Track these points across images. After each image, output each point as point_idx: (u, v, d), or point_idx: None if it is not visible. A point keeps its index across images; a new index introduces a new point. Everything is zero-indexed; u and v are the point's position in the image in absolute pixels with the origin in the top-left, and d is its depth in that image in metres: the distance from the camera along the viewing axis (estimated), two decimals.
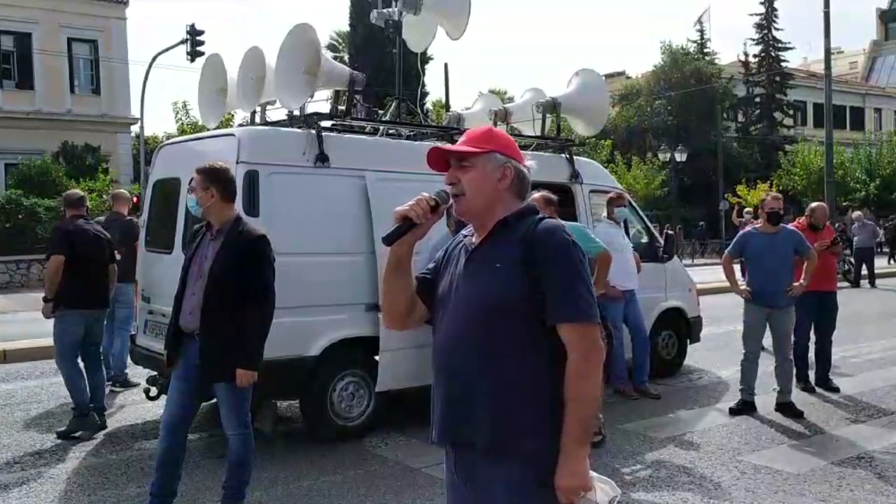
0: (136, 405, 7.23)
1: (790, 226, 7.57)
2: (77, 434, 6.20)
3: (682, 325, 8.65)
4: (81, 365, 6.46)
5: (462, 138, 2.38)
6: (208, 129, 7.47)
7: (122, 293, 7.70)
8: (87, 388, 6.37)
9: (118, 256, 7.57)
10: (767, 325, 6.93)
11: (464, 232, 2.44)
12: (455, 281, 2.31)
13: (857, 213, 21.27)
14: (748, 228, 7.50)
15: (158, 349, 5.72)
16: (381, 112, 7.59)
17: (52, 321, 6.37)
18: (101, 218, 8.58)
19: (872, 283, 18.96)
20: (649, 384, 7.62)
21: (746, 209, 20.05)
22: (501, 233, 2.28)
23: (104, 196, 23.37)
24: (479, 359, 2.21)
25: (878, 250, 23.42)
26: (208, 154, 5.56)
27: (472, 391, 2.22)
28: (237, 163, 5.54)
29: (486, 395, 2.20)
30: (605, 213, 7.77)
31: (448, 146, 2.37)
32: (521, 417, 2.18)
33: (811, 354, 7.94)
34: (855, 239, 19.23)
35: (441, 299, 2.35)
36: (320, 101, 6.92)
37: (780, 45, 49.58)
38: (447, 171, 2.33)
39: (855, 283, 19.05)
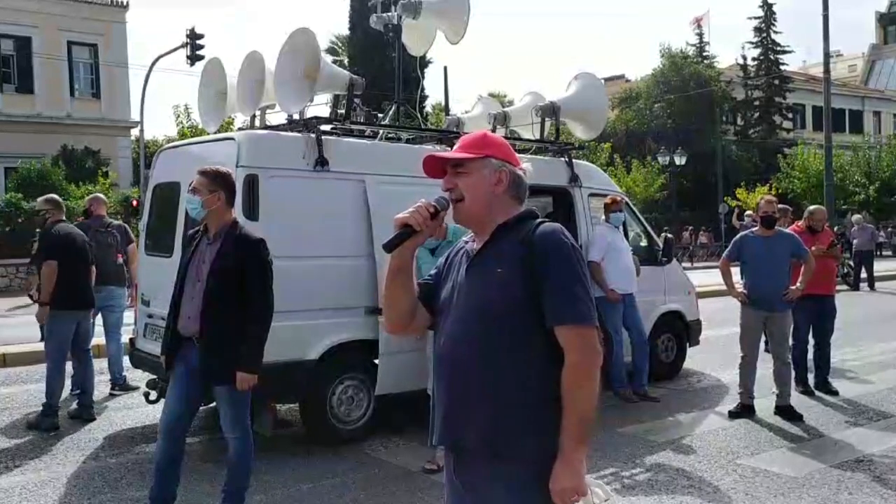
0: (136, 409, 7.23)
1: (788, 229, 7.58)
2: (38, 427, 6.50)
3: (681, 329, 8.65)
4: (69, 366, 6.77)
5: (457, 144, 2.40)
6: (208, 133, 7.48)
7: (113, 296, 7.72)
8: (60, 391, 6.68)
9: (120, 260, 7.63)
10: (765, 329, 6.94)
11: (465, 239, 2.45)
12: (457, 286, 2.32)
13: (856, 217, 21.27)
14: (745, 232, 7.50)
15: (158, 353, 5.72)
16: (380, 116, 7.60)
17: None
18: (87, 220, 8.41)
19: (871, 286, 18.97)
20: (649, 387, 7.63)
21: (747, 212, 20.06)
22: (501, 237, 2.29)
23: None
24: (481, 362, 2.22)
25: (878, 253, 23.44)
26: (208, 158, 5.57)
27: (474, 394, 2.23)
28: (237, 166, 5.54)
29: (487, 397, 2.21)
30: (602, 217, 7.79)
31: (443, 153, 2.38)
32: (522, 420, 2.19)
33: (810, 357, 7.95)
34: (854, 242, 19.26)
35: (443, 305, 2.36)
36: (320, 105, 6.96)
37: (778, 48, 49.72)
38: (443, 177, 2.34)
39: (854, 287, 19.05)
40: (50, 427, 6.48)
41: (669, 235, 9.18)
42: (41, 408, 6.61)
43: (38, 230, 6.84)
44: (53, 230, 6.66)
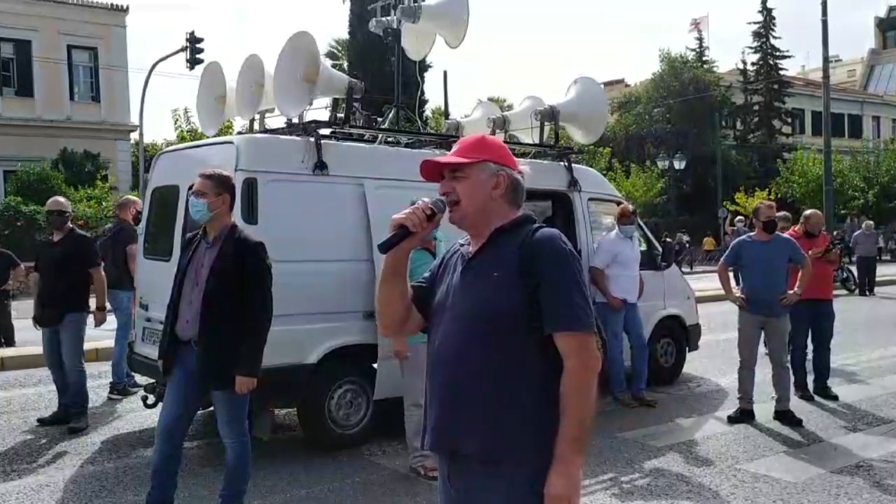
0: (134, 413, 7.22)
1: (785, 233, 7.57)
2: (79, 430, 6.57)
3: (680, 333, 8.64)
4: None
5: (455, 147, 2.38)
6: (207, 137, 7.48)
7: (115, 300, 7.74)
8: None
9: (101, 263, 7.74)
10: (763, 333, 6.93)
11: (460, 241, 2.43)
12: (452, 290, 2.31)
13: (867, 223, 20.99)
14: (742, 237, 7.50)
15: (156, 356, 5.71)
16: (379, 120, 7.60)
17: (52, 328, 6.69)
18: (108, 225, 8.70)
19: (871, 291, 18.96)
20: (647, 392, 7.61)
21: (738, 217, 20.06)
22: (498, 241, 2.28)
23: (103, 203, 23.41)
24: (476, 367, 2.20)
25: (878, 258, 23.43)
26: (207, 162, 5.57)
27: (468, 400, 2.21)
28: (236, 170, 5.53)
29: (481, 403, 2.19)
30: (615, 225, 7.78)
31: (440, 158, 2.36)
32: (519, 426, 2.17)
33: (809, 361, 7.94)
34: (857, 247, 19.19)
35: (438, 308, 2.34)
36: (319, 109, 6.94)
37: (777, 53, 49.74)
38: (440, 181, 2.33)
39: (861, 292, 18.98)
40: (86, 424, 6.67)
41: (669, 240, 9.16)
42: (73, 411, 6.69)
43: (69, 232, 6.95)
44: (86, 235, 6.96)
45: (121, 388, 7.90)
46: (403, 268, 2.34)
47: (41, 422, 6.78)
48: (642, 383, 7.56)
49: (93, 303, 6.93)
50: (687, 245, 34.21)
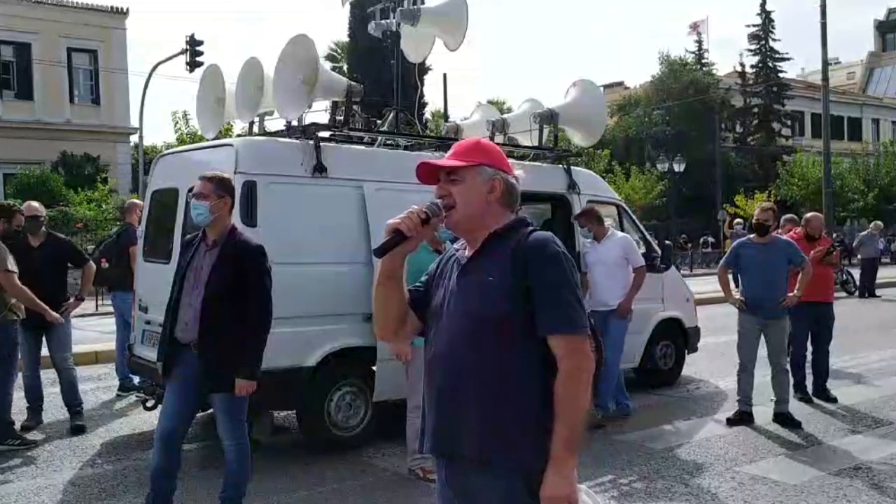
0: (133, 415, 7.22)
1: (786, 236, 7.58)
2: (82, 431, 6.64)
3: (679, 336, 8.63)
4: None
5: (451, 151, 2.39)
6: (207, 140, 7.49)
7: (120, 301, 7.78)
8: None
9: (104, 265, 7.82)
10: (762, 336, 6.93)
11: (455, 246, 2.44)
12: (448, 294, 2.32)
13: (875, 222, 20.88)
14: (742, 239, 7.50)
15: (155, 359, 5.71)
16: (378, 122, 7.61)
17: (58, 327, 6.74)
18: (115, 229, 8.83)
19: (872, 293, 18.97)
20: (598, 411, 6.70)
21: (737, 220, 20.07)
22: (493, 245, 2.29)
23: (103, 206, 23.40)
24: (472, 370, 2.21)
25: (878, 260, 23.44)
26: (207, 164, 5.59)
27: (464, 403, 2.22)
28: (235, 173, 5.53)
29: (477, 407, 2.20)
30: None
31: (436, 160, 2.37)
32: (513, 429, 2.18)
33: (808, 363, 7.94)
34: (862, 249, 19.18)
35: (434, 312, 2.35)
36: (318, 112, 6.96)
37: (777, 55, 49.81)
38: (437, 184, 2.34)
39: (861, 294, 18.99)
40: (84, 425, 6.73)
41: (668, 242, 9.14)
42: (72, 413, 6.78)
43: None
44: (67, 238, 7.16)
45: (129, 386, 7.88)
46: (399, 271, 2.35)
47: (22, 429, 6.58)
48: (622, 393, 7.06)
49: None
50: (711, 245, 34.44)
